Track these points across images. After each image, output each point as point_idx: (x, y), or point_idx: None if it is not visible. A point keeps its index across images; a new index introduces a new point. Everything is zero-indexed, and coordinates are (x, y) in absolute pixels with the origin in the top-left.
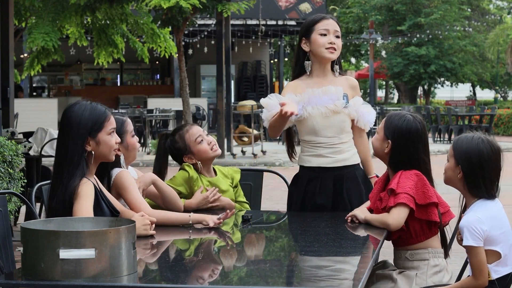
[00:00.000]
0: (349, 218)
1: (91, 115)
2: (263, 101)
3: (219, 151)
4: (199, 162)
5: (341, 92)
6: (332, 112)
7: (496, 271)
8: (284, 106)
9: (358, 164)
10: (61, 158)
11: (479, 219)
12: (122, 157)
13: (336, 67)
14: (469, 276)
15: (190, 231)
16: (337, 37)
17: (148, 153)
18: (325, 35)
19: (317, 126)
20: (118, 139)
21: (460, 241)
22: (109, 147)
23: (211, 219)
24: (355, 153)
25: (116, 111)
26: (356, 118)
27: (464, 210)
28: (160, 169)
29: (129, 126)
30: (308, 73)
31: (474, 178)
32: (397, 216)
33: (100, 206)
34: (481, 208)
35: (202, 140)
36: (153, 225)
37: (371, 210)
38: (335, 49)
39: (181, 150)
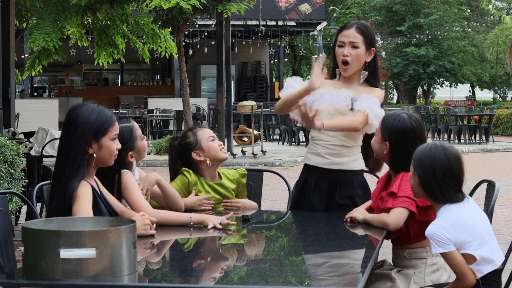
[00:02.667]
0: (348, 218)
1: (98, 118)
2: (287, 79)
3: (227, 156)
4: (208, 159)
5: (350, 95)
6: (336, 111)
7: (478, 270)
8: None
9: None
10: (63, 158)
11: (443, 227)
12: (134, 163)
13: (365, 72)
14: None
15: (191, 230)
16: (354, 47)
17: (149, 153)
18: (341, 46)
19: None
20: (119, 145)
21: None
22: (110, 152)
23: (211, 221)
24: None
25: (117, 111)
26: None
27: None
28: (175, 173)
29: (138, 130)
30: (337, 79)
31: (429, 184)
32: (396, 216)
33: (99, 208)
34: (445, 215)
35: (214, 139)
36: (154, 225)
37: (372, 209)
38: (348, 62)
39: (191, 145)
